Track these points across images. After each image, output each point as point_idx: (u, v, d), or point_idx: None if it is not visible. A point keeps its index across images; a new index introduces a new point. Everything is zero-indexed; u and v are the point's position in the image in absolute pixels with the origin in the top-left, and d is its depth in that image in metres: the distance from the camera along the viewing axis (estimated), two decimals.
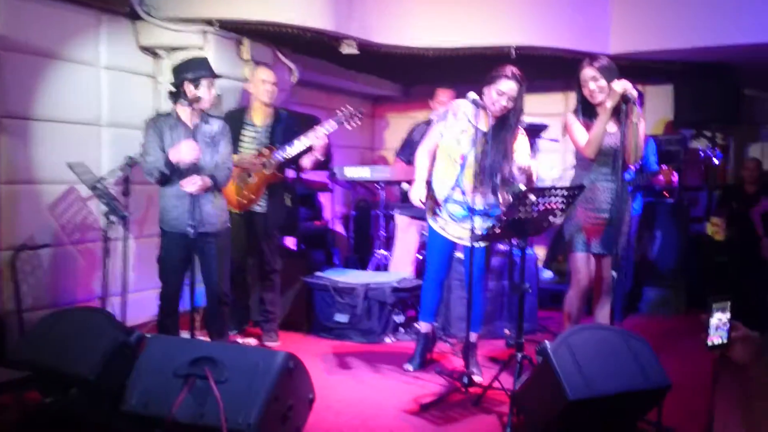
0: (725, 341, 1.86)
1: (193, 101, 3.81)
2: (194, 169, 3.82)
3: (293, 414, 2.89)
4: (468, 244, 3.78)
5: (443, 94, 5.56)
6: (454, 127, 3.93)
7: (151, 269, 4.82)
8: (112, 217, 4.07)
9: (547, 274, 6.48)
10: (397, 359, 4.37)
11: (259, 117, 4.67)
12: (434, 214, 4.07)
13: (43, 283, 4.27)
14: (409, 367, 4.23)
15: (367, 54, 5.42)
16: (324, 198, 6.73)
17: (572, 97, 4.34)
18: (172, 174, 3.86)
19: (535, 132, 5.28)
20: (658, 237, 6.19)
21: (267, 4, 4.76)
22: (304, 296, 5.20)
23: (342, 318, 4.99)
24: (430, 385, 3.96)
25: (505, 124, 3.85)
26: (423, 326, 4.31)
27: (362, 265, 6.39)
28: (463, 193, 3.91)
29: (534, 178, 3.81)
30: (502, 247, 5.07)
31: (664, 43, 5.55)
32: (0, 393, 3.35)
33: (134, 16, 4.75)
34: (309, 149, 4.57)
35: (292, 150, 4.49)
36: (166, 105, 4.82)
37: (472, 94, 3.66)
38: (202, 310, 4.32)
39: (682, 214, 6.26)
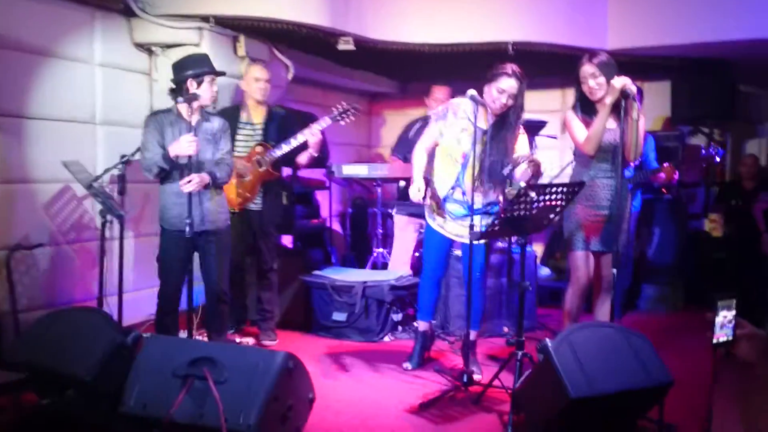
0: (731, 339, 1.84)
1: (195, 98, 3.78)
2: (195, 166, 3.80)
3: (293, 414, 2.87)
4: (467, 241, 3.75)
5: (439, 91, 5.53)
6: (454, 126, 3.90)
7: (147, 268, 4.81)
8: (108, 216, 4.04)
9: (545, 272, 6.46)
10: (396, 358, 4.35)
11: (253, 115, 4.65)
12: (433, 212, 4.05)
13: (39, 283, 4.24)
14: (408, 365, 4.21)
15: (364, 50, 5.40)
16: (321, 196, 6.70)
17: (570, 94, 4.34)
18: (171, 170, 3.85)
19: (533, 129, 5.26)
20: (656, 234, 6.19)
21: (263, 0, 4.73)
22: (302, 295, 5.18)
23: (340, 317, 4.96)
24: (430, 383, 3.94)
25: (505, 122, 3.82)
26: (421, 325, 4.29)
27: (359, 263, 6.37)
28: (464, 192, 3.89)
29: (542, 170, 3.79)
30: (500, 244, 5.05)
31: (662, 38, 5.54)
32: None
33: (129, 13, 4.72)
34: (304, 146, 4.55)
35: (286, 147, 4.48)
36: (161, 102, 4.81)
37: (471, 91, 3.64)
38: (201, 309, 4.30)
39: (680, 211, 6.26)
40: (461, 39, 5.42)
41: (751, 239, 5.86)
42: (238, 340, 4.77)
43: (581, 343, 2.94)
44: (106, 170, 4.20)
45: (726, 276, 5.94)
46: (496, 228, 3.46)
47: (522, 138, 3.93)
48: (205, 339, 4.30)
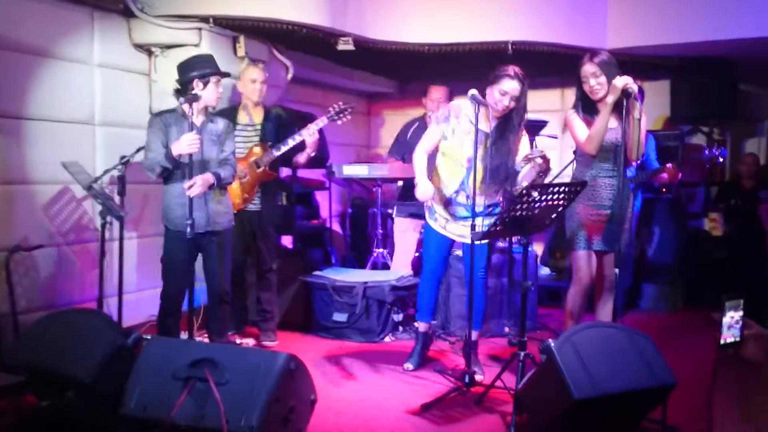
0: (738, 339, 1.84)
1: (196, 99, 3.78)
2: (199, 166, 3.81)
3: (295, 416, 2.85)
4: (469, 241, 3.74)
5: (436, 92, 5.50)
6: (457, 129, 3.89)
7: (147, 269, 4.80)
8: (108, 217, 4.02)
9: (545, 271, 6.46)
10: (397, 358, 4.33)
11: (250, 116, 4.64)
12: (434, 213, 4.04)
13: (38, 284, 4.22)
14: (409, 366, 4.20)
15: (363, 50, 5.39)
16: (321, 196, 6.68)
17: (570, 94, 4.33)
18: (174, 169, 3.86)
19: (534, 129, 5.25)
20: (656, 233, 6.18)
21: (262, 1, 4.72)
22: (302, 295, 5.17)
23: (341, 317, 4.95)
24: (431, 384, 3.93)
25: (508, 124, 3.81)
26: (421, 326, 4.28)
27: (359, 263, 6.36)
28: (468, 196, 3.87)
29: (550, 166, 3.78)
30: (501, 244, 5.04)
31: (662, 38, 5.54)
32: None
33: (128, 14, 4.70)
34: (302, 146, 4.56)
35: (284, 148, 4.49)
36: (160, 103, 4.80)
37: (472, 91, 3.62)
38: (202, 309, 4.29)
39: (679, 211, 6.25)
40: (461, 39, 5.41)
41: (751, 239, 5.86)
42: (238, 341, 4.75)
43: (584, 343, 2.92)
44: (106, 171, 4.18)
45: (726, 275, 5.94)
46: (499, 228, 3.45)
47: (523, 139, 3.92)
48: (206, 340, 4.30)
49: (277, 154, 4.49)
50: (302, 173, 6.06)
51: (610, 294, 3.89)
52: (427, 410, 3.51)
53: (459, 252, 4.51)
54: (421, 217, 4.35)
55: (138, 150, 4.08)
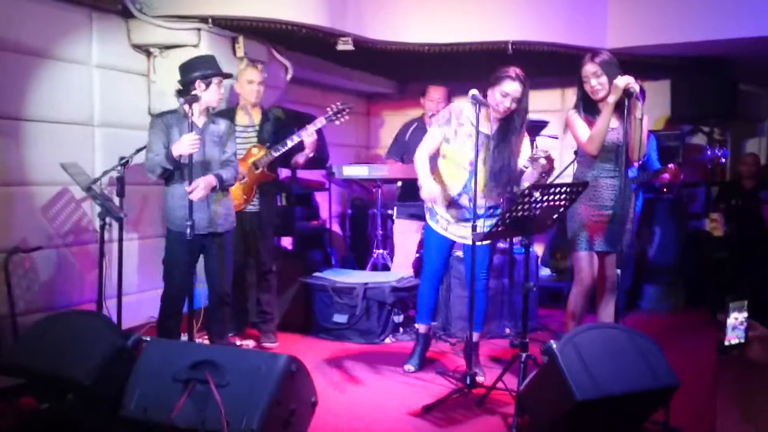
0: (742, 341, 1.82)
1: (195, 99, 3.77)
2: (202, 168, 3.81)
3: (295, 418, 2.83)
4: (470, 242, 3.73)
5: (435, 92, 5.49)
6: (459, 132, 3.87)
7: (147, 270, 4.79)
8: (107, 219, 4.01)
9: (545, 272, 6.45)
10: (398, 360, 4.32)
11: (248, 117, 4.64)
12: (435, 214, 4.02)
13: (37, 286, 4.20)
14: (410, 367, 4.19)
15: (362, 51, 5.37)
16: (320, 197, 6.67)
17: (569, 94, 4.31)
18: (175, 170, 3.85)
19: (534, 129, 5.24)
20: (657, 234, 6.17)
21: (262, 1, 4.70)
22: (303, 297, 5.16)
23: (341, 318, 4.93)
24: (432, 386, 3.92)
25: (510, 126, 3.80)
26: (421, 327, 4.27)
27: (359, 264, 6.34)
28: (470, 199, 3.86)
29: (554, 165, 3.78)
30: (501, 245, 5.03)
31: (662, 37, 5.53)
32: None
33: (126, 14, 4.68)
34: (300, 147, 4.56)
35: (283, 148, 4.48)
36: (159, 104, 4.79)
37: (473, 91, 3.60)
38: (202, 311, 4.28)
39: (680, 211, 6.25)
40: (460, 39, 5.40)
41: (751, 239, 5.85)
42: (238, 342, 4.74)
43: (586, 344, 2.91)
44: (105, 172, 4.16)
45: (727, 276, 5.93)
46: (500, 228, 3.44)
47: (525, 141, 3.91)
48: (206, 342, 4.28)
49: (275, 155, 4.49)
50: (302, 174, 6.05)
51: (611, 295, 3.88)
52: (428, 412, 3.50)
53: (460, 253, 4.49)
54: (422, 218, 4.33)
55: (137, 151, 4.07)
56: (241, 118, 4.62)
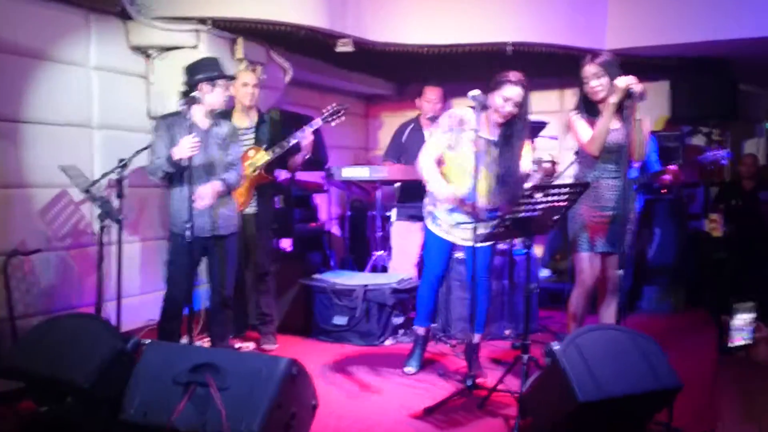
0: (749, 342, 1.81)
1: (195, 101, 3.77)
2: (206, 170, 3.82)
3: (296, 422, 2.82)
4: (472, 244, 3.71)
5: (431, 92, 5.46)
6: (462, 138, 3.86)
7: (146, 273, 4.77)
8: (106, 221, 3.99)
9: (545, 273, 6.44)
10: (398, 362, 4.30)
11: (243, 119, 4.62)
12: (436, 217, 4.00)
13: (36, 289, 4.18)
14: (410, 369, 4.18)
15: (361, 52, 5.37)
16: (319, 199, 6.66)
17: (568, 95, 4.30)
18: (177, 173, 3.85)
19: (534, 130, 5.22)
20: (657, 234, 6.16)
21: (261, 2, 4.69)
22: (302, 299, 5.14)
23: (341, 320, 4.92)
24: (433, 387, 3.90)
25: (512, 130, 3.79)
26: (420, 330, 4.26)
27: (358, 266, 6.32)
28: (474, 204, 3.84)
29: (557, 168, 3.78)
30: (501, 246, 5.02)
31: (662, 38, 5.53)
32: None
33: (125, 16, 4.67)
34: (297, 149, 4.56)
35: (279, 150, 4.48)
36: (158, 106, 4.77)
37: (474, 92, 3.59)
38: (203, 313, 4.26)
39: (680, 211, 6.24)
40: (460, 40, 5.39)
41: (751, 239, 5.84)
42: (238, 345, 4.72)
43: (589, 346, 2.90)
44: (104, 174, 4.15)
45: (726, 276, 5.92)
46: (501, 230, 3.42)
47: (526, 146, 3.89)
48: (207, 344, 4.26)
49: (271, 157, 4.48)
50: (301, 176, 6.03)
51: (613, 296, 3.87)
52: (429, 414, 3.49)
53: (460, 254, 4.48)
54: (421, 218, 4.32)
55: (136, 153, 4.06)
56: (237, 120, 4.61)
